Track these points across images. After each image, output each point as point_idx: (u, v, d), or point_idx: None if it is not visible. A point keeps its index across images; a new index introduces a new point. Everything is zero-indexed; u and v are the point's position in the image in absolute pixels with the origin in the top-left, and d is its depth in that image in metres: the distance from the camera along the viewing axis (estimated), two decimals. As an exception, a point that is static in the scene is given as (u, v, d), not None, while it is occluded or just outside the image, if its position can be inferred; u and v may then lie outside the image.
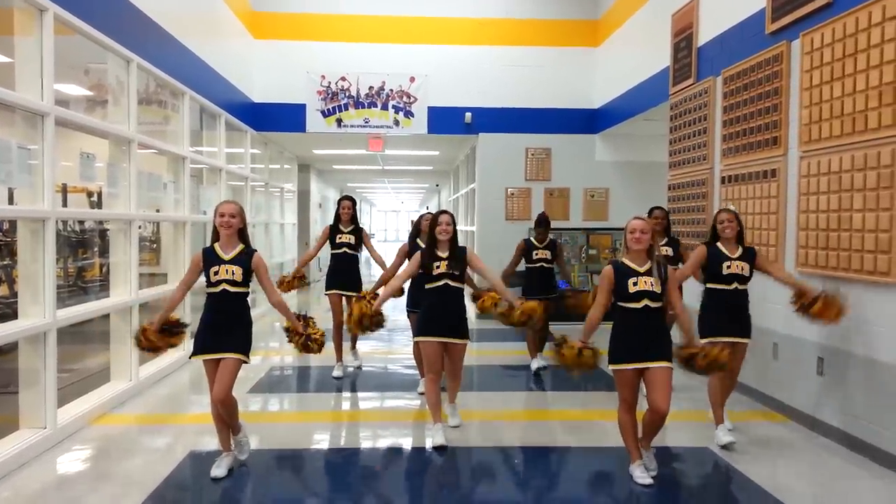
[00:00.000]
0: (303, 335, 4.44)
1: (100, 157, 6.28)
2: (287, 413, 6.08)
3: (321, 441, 5.14)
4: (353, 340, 7.32)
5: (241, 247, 4.20)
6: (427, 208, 32.39)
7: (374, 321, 4.92)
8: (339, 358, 7.05)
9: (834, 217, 4.88)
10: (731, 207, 5.19)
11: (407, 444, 5.05)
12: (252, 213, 10.70)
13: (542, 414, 6.05)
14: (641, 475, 4.08)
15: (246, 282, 4.17)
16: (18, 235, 4.68)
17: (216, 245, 4.18)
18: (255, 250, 4.27)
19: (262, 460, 4.53)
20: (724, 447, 4.69)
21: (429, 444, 4.84)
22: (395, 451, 4.92)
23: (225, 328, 4.13)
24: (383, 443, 5.10)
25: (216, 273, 4.10)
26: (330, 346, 6.04)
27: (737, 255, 4.79)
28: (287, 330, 4.53)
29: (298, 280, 6.84)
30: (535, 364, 7.15)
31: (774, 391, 5.68)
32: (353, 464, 4.66)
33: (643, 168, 10.76)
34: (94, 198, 12.19)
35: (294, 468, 4.55)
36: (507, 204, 11.08)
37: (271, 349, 8.86)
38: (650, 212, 6.06)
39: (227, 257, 4.14)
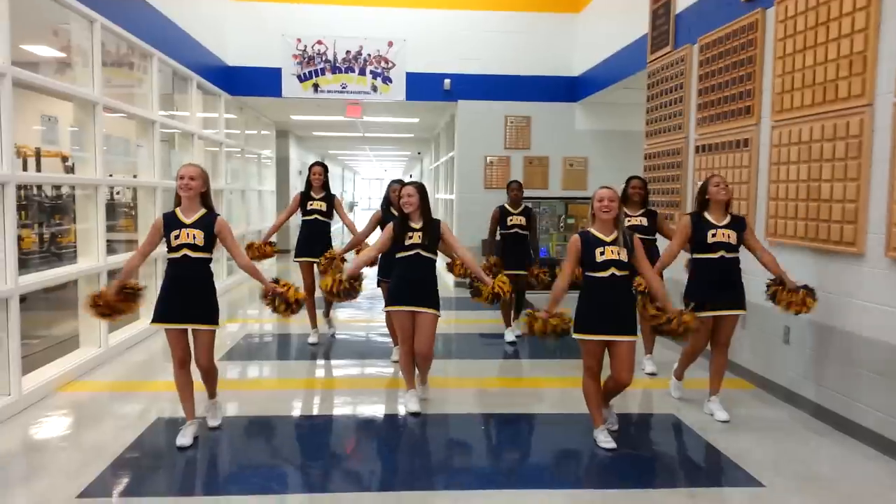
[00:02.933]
0: (275, 295, 4.30)
1: (69, 120, 6.14)
2: (262, 380, 6.08)
3: (295, 408, 5.14)
4: (327, 308, 7.31)
5: (202, 211, 4.10)
6: (411, 176, 32.21)
7: (345, 289, 4.77)
8: (314, 325, 7.04)
9: (803, 187, 4.90)
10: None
11: (380, 411, 5.06)
12: (228, 179, 10.56)
13: (516, 382, 6.10)
14: (605, 440, 4.17)
15: (208, 247, 4.05)
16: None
17: (177, 210, 4.08)
18: (218, 214, 4.16)
19: (236, 427, 4.54)
20: (678, 398, 5.19)
21: (402, 411, 4.87)
22: (369, 419, 4.93)
23: (188, 296, 4.04)
24: (358, 410, 5.10)
25: (177, 237, 3.98)
26: (303, 312, 6.00)
27: (724, 223, 4.62)
28: (264, 296, 4.36)
29: (267, 246, 6.67)
30: (509, 335, 7.21)
31: (743, 359, 5.75)
32: (327, 431, 4.67)
33: (622, 137, 10.72)
34: (69, 162, 11.97)
35: (267, 435, 4.54)
36: (486, 172, 11.03)
37: (249, 317, 8.83)
38: (628, 181, 5.91)
39: (188, 221, 4.03)
